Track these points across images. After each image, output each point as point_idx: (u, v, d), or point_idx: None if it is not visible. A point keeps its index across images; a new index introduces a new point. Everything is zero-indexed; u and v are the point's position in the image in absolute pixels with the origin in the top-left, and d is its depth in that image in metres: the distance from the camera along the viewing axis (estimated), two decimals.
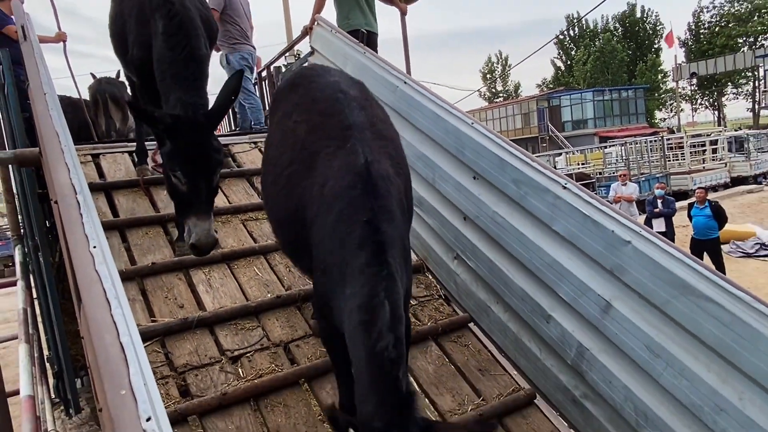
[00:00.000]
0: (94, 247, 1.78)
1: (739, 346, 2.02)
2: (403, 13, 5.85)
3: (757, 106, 43.92)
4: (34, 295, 4.69)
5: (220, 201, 4.43)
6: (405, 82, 3.81)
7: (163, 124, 2.74)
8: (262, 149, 5.19)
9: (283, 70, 7.45)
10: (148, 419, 1.24)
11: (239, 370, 3.03)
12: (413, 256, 3.80)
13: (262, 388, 2.90)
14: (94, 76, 7.21)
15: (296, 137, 2.60)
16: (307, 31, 5.47)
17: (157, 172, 4.54)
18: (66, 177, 2.14)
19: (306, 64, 5.29)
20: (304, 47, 6.41)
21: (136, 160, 4.71)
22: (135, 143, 4.71)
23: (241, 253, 3.85)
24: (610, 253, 2.48)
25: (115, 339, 1.45)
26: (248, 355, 3.13)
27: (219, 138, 5.11)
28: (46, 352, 4.79)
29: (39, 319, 4.67)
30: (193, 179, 2.78)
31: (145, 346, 1.65)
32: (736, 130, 30.71)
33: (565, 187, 2.72)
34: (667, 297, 2.26)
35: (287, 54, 7.84)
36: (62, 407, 4.57)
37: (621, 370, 2.46)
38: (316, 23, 5.17)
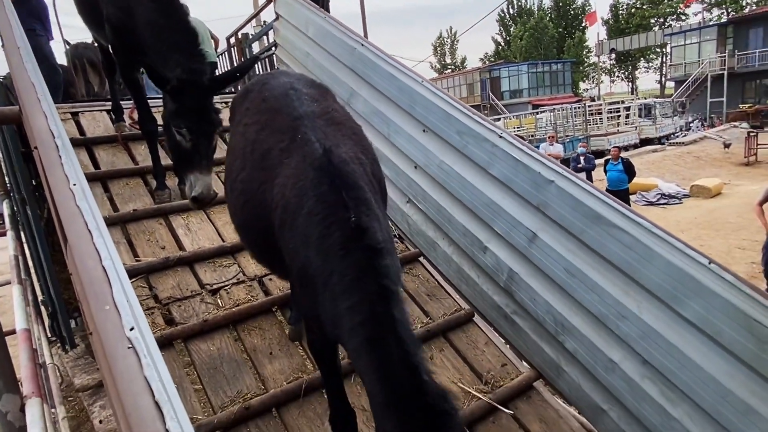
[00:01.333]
0: (74, 184, 1.68)
1: (638, 264, 2.13)
2: None
3: (663, 78, 45.19)
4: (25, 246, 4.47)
5: None
6: (362, 45, 3.69)
7: (171, 86, 2.70)
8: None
9: (250, 37, 7.09)
10: (132, 329, 1.22)
11: (218, 301, 3.01)
12: None
13: (239, 315, 2.90)
14: (68, 43, 6.68)
15: (246, 140, 2.19)
16: None
17: (134, 129, 4.32)
18: (44, 122, 1.99)
19: (271, 34, 5.04)
20: (269, 16, 6.08)
21: (113, 117, 4.46)
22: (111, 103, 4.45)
23: (216, 201, 3.74)
24: (536, 191, 2.54)
25: (98, 263, 1.40)
26: (226, 288, 3.11)
27: None
28: (40, 297, 4.62)
29: (32, 269, 4.47)
30: (196, 136, 2.75)
31: (131, 283, 1.60)
32: (645, 99, 31.59)
33: (501, 137, 2.74)
34: (582, 227, 2.35)
35: (254, 24, 7.44)
36: (58, 344, 4.46)
37: (543, 289, 2.57)
38: None
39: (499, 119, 28.14)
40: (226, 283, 3.13)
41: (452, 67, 58.91)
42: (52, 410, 3.42)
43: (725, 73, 28.28)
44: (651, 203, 13.74)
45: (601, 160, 13.62)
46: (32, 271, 4.49)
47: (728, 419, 1.88)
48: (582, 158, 13.14)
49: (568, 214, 2.41)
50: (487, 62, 52.18)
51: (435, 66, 58.87)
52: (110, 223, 3.25)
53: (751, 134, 18.44)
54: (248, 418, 2.39)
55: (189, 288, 3.03)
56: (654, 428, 2.14)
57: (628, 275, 2.18)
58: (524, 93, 38.52)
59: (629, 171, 11.71)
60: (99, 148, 4.09)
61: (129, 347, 1.19)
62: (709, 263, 1.92)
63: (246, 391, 2.53)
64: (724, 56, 28.56)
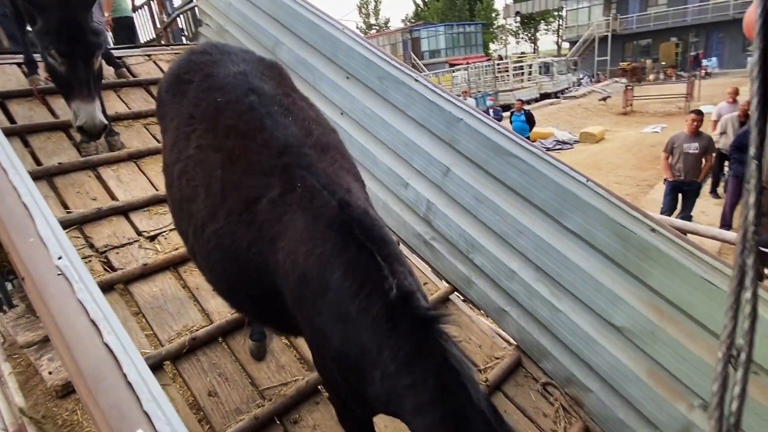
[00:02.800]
0: None
1: (532, 186, 2.28)
2: None
3: (560, 39, 46.87)
4: None
5: (121, 108, 3.89)
6: None
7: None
8: (156, 62, 4.57)
9: None
10: (60, 258, 1.13)
11: (157, 246, 2.86)
12: None
13: (180, 258, 2.78)
14: None
15: (208, 173, 1.56)
16: None
17: (50, 82, 3.81)
18: None
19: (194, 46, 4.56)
20: None
21: (26, 71, 3.89)
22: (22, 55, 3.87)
23: (146, 152, 3.47)
24: (448, 129, 2.60)
25: (17, 199, 1.27)
26: (164, 234, 2.95)
27: (113, 51, 4.36)
28: None
29: None
30: (70, 58, 2.36)
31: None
32: (544, 58, 32.73)
33: (416, 80, 2.74)
34: (486, 158, 2.45)
35: None
36: None
37: (456, 216, 2.69)
38: None
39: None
40: (164, 229, 2.96)
41: (377, 27, 57.11)
42: None
43: (609, 34, 29.84)
44: (549, 149, 14.57)
45: (508, 113, 14.11)
46: None
47: (600, 307, 2.13)
48: (491, 111, 13.55)
49: (475, 148, 2.50)
50: (408, 23, 51.08)
51: (360, 26, 56.81)
52: (35, 176, 2.92)
53: (628, 88, 19.84)
54: (196, 348, 2.36)
55: (125, 236, 2.84)
56: (545, 321, 2.38)
57: (524, 197, 2.33)
58: (442, 53, 38.39)
59: (530, 121, 12.27)
60: (13, 102, 3.59)
61: (59, 274, 1.11)
62: (587, 181, 2.09)
63: (192, 324, 2.48)
64: (609, 19, 30.04)
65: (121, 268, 2.62)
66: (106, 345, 0.99)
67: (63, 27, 2.32)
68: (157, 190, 3.18)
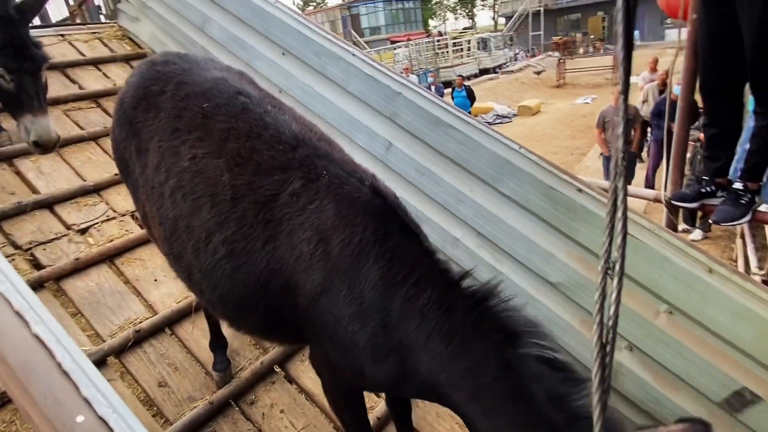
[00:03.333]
0: None
1: (468, 156, 2.37)
2: None
3: (496, 15, 47.81)
4: None
5: None
6: None
7: None
8: (72, 43, 4.20)
9: None
10: None
11: (89, 239, 2.69)
12: None
13: (116, 250, 2.64)
14: None
15: (212, 181, 1.45)
16: None
17: None
18: None
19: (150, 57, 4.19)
20: None
21: None
22: None
23: (69, 140, 3.21)
24: (388, 103, 2.61)
25: None
26: (96, 226, 2.78)
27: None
28: None
29: None
30: (18, 75, 2.32)
31: None
32: (481, 34, 33.35)
33: (354, 55, 2.72)
34: (426, 131, 2.50)
35: None
36: None
37: (400, 189, 2.71)
38: None
39: None
40: (95, 221, 2.79)
41: (314, 3, 55.37)
42: None
43: (542, 9, 30.82)
44: (489, 123, 15.03)
45: (450, 89, 14.32)
46: None
47: (536, 265, 2.27)
48: (433, 87, 13.69)
49: (414, 121, 2.54)
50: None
51: (297, 3, 54.84)
52: None
53: (561, 61, 20.72)
54: (141, 340, 2.28)
55: (52, 230, 2.65)
56: None
57: (462, 166, 2.41)
58: (382, 30, 38.05)
59: (471, 97, 12.55)
60: None
61: None
62: (519, 148, 2.20)
63: (135, 317, 2.38)
64: None
65: (51, 265, 2.46)
66: (35, 336, 0.94)
67: (8, 45, 2.28)
68: (84, 180, 2.97)
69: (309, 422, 2.15)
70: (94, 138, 3.31)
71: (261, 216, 1.37)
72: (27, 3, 2.44)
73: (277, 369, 2.35)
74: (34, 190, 2.84)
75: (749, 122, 2.48)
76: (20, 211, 2.65)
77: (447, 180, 2.47)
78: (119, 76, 3.86)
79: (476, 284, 1.19)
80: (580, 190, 2.04)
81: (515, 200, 2.25)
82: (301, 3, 55.17)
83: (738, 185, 2.20)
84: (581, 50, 25.69)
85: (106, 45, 4.19)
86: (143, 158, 1.68)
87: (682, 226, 6.39)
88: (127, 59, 4.06)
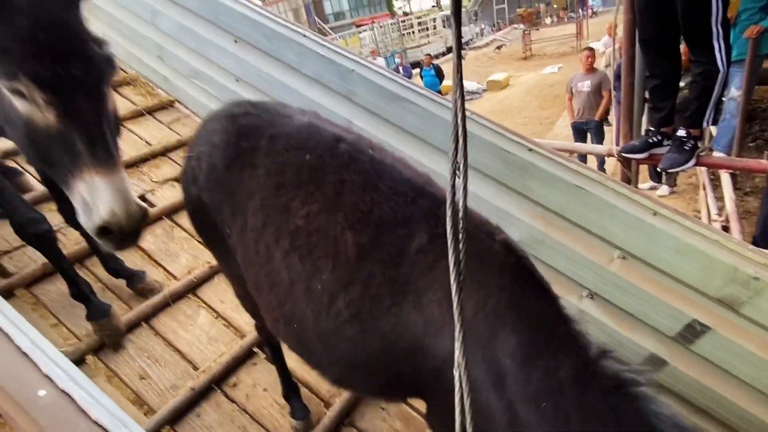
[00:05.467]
0: None
1: (427, 128, 2.42)
2: None
3: None
4: None
5: None
6: None
7: None
8: None
9: None
10: None
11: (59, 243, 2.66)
12: None
13: (85, 252, 2.62)
14: None
15: (331, 239, 1.33)
16: None
17: None
18: None
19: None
20: None
21: None
22: None
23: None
24: (343, 81, 2.64)
25: None
26: (62, 231, 2.75)
27: None
28: None
29: None
30: (60, 93, 1.13)
31: None
32: (447, 11, 33.14)
33: (305, 36, 2.73)
34: (383, 105, 2.54)
35: None
36: None
37: None
38: None
39: None
40: (61, 225, 2.76)
41: None
42: None
43: None
44: None
45: (418, 70, 14.28)
46: None
47: None
48: (401, 69, 13.65)
49: (370, 98, 2.57)
50: None
51: None
52: None
53: (526, 33, 20.82)
54: None
55: (17, 238, 2.61)
56: None
57: (421, 138, 2.46)
58: (347, 15, 37.48)
59: (440, 75, 12.56)
60: None
61: None
62: (471, 114, 2.26)
63: None
64: None
65: (18, 272, 2.43)
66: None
67: (40, 34, 1.11)
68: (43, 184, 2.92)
69: None
70: None
71: (388, 274, 1.27)
72: None
73: (257, 350, 2.40)
74: None
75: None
76: None
77: (407, 152, 2.51)
78: None
79: (617, 364, 1.07)
80: (530, 150, 2.12)
81: (473, 166, 2.31)
82: None
83: (681, 132, 2.31)
84: (547, 21, 25.85)
85: None
86: (240, 220, 1.53)
87: (648, 183, 6.61)
88: None
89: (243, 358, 2.34)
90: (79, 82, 1.16)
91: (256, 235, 1.47)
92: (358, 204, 1.34)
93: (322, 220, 1.36)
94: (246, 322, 2.49)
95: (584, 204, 2.07)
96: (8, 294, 2.33)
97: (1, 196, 2.09)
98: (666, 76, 2.31)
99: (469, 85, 15.83)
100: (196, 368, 2.27)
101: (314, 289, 1.36)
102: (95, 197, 1.18)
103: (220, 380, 2.23)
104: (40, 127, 1.15)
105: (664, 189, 6.53)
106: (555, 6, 26.63)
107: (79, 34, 1.20)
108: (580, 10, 23.20)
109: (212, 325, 2.47)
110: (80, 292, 2.26)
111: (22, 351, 0.93)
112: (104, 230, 1.17)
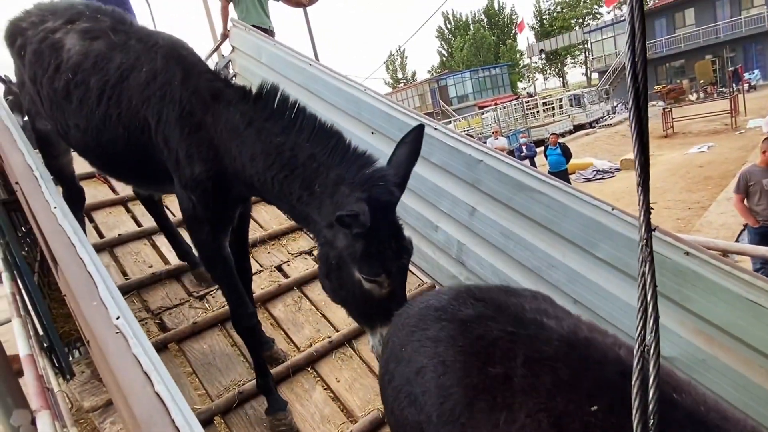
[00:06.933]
0: (55, 207, 1.73)
1: (557, 219, 2.30)
2: (304, 6, 5.71)
3: (588, 71, 46.83)
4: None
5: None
6: (310, 65, 3.80)
7: (360, 221, 1.51)
8: None
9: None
10: (118, 317, 1.28)
11: (206, 305, 3.04)
12: None
13: (227, 315, 2.93)
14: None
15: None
16: (226, 35, 5.24)
17: None
18: (21, 159, 2.02)
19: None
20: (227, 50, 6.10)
21: None
22: None
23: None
24: (470, 170, 2.68)
25: (83, 269, 1.46)
26: (212, 293, 3.14)
27: None
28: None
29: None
30: (396, 277, 1.67)
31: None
32: (574, 91, 32.69)
33: (435, 129, 2.89)
34: (510, 195, 2.50)
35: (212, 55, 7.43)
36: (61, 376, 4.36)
37: (487, 254, 2.72)
38: (232, 25, 4.96)
39: (450, 122, 28.71)
40: (212, 289, 3.16)
41: (404, 80, 59.59)
42: (64, 430, 3.37)
43: None
44: (588, 179, 14.26)
45: (542, 148, 14.06)
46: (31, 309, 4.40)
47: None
48: (524, 147, 13.56)
49: (497, 186, 2.56)
50: (434, 73, 52.99)
51: (388, 81, 59.57)
52: (98, 248, 3.24)
53: (666, 110, 19.33)
54: (243, 401, 2.44)
55: (177, 297, 3.05)
56: None
57: (551, 230, 2.34)
58: (470, 97, 39.34)
59: (566, 154, 12.15)
60: (82, 184, 4.05)
61: (117, 332, 1.26)
62: (612, 209, 2.09)
63: (239, 379, 2.58)
64: None
65: (174, 328, 2.80)
66: (157, 394, 1.10)
67: (390, 239, 1.60)
68: None
69: None
70: None
71: None
72: (402, 174, 1.78)
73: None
74: (166, 261, 3.33)
75: None
76: (154, 280, 3.11)
77: (536, 244, 2.40)
78: None
79: None
80: (687, 254, 1.85)
81: (613, 265, 2.10)
82: (392, 81, 59.78)
83: None
84: (693, 97, 23.75)
85: None
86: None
87: None
88: None
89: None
90: (404, 269, 1.72)
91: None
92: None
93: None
94: (358, 405, 2.47)
95: (759, 321, 1.70)
96: (163, 347, 2.67)
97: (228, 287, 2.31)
98: None
99: (600, 164, 14.98)
100: None
101: None
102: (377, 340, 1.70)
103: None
104: (374, 296, 1.67)
105: None
106: (701, 81, 24.45)
107: (401, 231, 1.70)
108: (734, 85, 20.94)
109: (326, 404, 2.50)
110: (266, 383, 2.36)
111: (175, 425, 1.02)
112: None
